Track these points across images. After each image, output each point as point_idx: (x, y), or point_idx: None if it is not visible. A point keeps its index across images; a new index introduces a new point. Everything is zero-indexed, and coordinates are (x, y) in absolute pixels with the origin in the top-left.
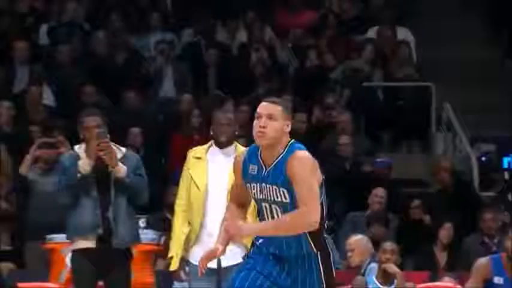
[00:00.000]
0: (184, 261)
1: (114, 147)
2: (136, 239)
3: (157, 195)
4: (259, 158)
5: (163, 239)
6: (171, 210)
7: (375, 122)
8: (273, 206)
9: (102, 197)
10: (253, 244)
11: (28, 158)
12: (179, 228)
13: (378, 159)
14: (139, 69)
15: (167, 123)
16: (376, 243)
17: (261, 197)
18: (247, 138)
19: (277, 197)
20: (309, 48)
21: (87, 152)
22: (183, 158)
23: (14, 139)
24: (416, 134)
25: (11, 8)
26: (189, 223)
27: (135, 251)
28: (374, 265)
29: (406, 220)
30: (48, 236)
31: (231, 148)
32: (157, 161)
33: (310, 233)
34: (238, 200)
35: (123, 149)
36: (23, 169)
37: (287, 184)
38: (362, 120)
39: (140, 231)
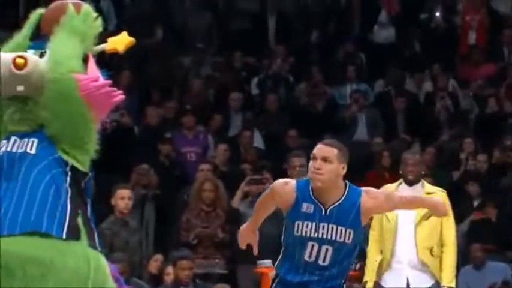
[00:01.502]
0: (377, 285)
1: None
2: None
3: None
4: (313, 198)
5: (358, 265)
6: (366, 240)
7: None
8: (324, 246)
9: None
10: (276, 276)
11: (239, 192)
12: (372, 256)
13: None
14: (337, 115)
15: (361, 163)
16: None
17: (314, 236)
18: (433, 177)
19: (339, 238)
20: (489, 96)
21: None
22: None
23: (229, 177)
24: None
25: (228, 64)
26: (381, 252)
27: None
28: None
29: None
30: (258, 261)
31: (418, 185)
32: None
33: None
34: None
35: None
36: (235, 202)
37: (355, 226)
38: None
39: None
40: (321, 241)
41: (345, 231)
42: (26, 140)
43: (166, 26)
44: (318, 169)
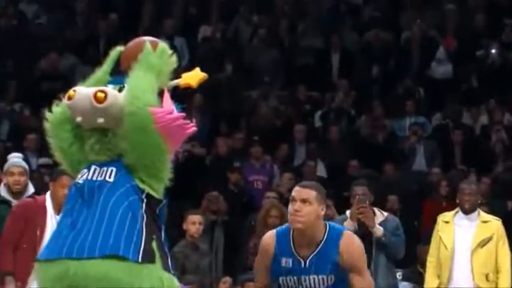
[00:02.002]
0: None
1: (377, 212)
2: None
3: (411, 252)
4: (292, 250)
5: None
6: (424, 265)
7: None
8: None
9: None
10: None
11: None
12: (430, 281)
13: None
14: (396, 146)
15: (420, 192)
16: None
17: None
18: (488, 207)
19: (323, 285)
20: None
21: (351, 215)
22: (434, 222)
23: None
24: None
25: (293, 97)
26: (438, 277)
27: None
28: None
29: None
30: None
31: (474, 214)
32: (412, 224)
33: None
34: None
35: (385, 213)
36: None
37: (336, 270)
38: None
39: (398, 283)
40: None
41: (327, 278)
42: (105, 168)
43: (236, 62)
44: (297, 211)
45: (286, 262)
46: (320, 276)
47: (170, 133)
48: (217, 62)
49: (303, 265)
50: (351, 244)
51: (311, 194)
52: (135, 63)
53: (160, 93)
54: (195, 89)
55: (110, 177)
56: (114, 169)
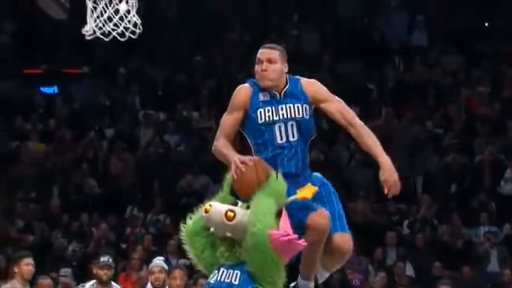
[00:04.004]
0: None
1: None
2: None
3: None
4: (266, 90)
5: None
6: None
7: None
8: (289, 123)
9: None
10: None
11: None
12: None
13: None
14: (473, 251)
15: None
16: None
17: (276, 118)
18: None
19: (298, 113)
20: None
21: None
22: None
23: None
24: None
25: (384, 209)
26: None
27: None
28: None
29: None
30: None
31: None
32: None
33: None
34: (229, 136)
35: None
36: None
37: (306, 100)
38: None
39: None
40: (285, 120)
41: (301, 106)
42: (231, 271)
43: (335, 179)
44: (265, 70)
45: (264, 96)
46: (295, 104)
47: (284, 251)
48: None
49: (278, 97)
50: (309, 79)
51: (275, 53)
52: (259, 188)
53: (279, 213)
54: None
55: (235, 279)
56: (239, 273)
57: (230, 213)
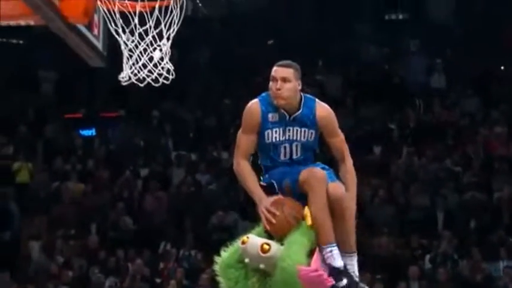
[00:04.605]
0: None
1: None
2: None
3: None
4: (277, 108)
5: None
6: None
7: None
8: (293, 144)
9: None
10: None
11: None
12: None
13: None
14: (492, 285)
15: None
16: None
17: (282, 138)
18: None
19: (303, 138)
20: None
21: None
22: None
23: None
24: None
25: (407, 244)
26: None
27: None
28: None
29: None
30: None
31: None
32: None
33: None
34: (247, 156)
35: None
36: None
37: (314, 125)
38: None
39: None
40: (291, 141)
41: (308, 131)
42: None
43: (359, 217)
44: (279, 89)
45: (273, 117)
46: (302, 129)
47: (312, 287)
48: None
49: (287, 118)
50: (323, 106)
51: (289, 71)
52: (295, 227)
53: (311, 252)
54: None
55: None
56: None
57: (266, 246)
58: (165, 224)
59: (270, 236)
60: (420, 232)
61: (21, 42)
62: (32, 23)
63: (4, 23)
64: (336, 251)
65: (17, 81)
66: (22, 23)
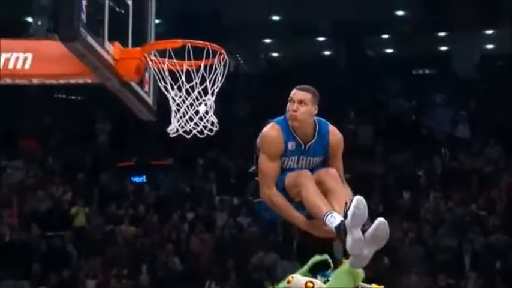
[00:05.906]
0: None
1: None
2: None
3: None
4: (294, 135)
5: None
6: None
7: None
8: (304, 167)
9: None
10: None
11: None
12: None
13: None
14: None
15: None
16: None
17: (295, 166)
18: None
19: (313, 164)
20: None
21: None
22: None
23: None
24: None
25: (435, 284)
26: None
27: None
28: None
29: None
30: None
31: None
32: None
33: None
34: (275, 183)
35: None
36: None
37: (325, 153)
38: None
39: None
40: (302, 167)
41: (318, 159)
42: None
43: (390, 257)
44: (295, 111)
45: (291, 146)
46: (314, 158)
47: None
48: (376, 256)
49: (303, 147)
50: (336, 132)
51: (307, 96)
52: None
53: None
54: None
55: None
56: None
57: (309, 284)
58: (210, 263)
59: (314, 275)
60: (447, 272)
61: (79, 98)
62: (89, 81)
63: (65, 81)
64: (334, 213)
65: (76, 133)
66: (81, 81)
